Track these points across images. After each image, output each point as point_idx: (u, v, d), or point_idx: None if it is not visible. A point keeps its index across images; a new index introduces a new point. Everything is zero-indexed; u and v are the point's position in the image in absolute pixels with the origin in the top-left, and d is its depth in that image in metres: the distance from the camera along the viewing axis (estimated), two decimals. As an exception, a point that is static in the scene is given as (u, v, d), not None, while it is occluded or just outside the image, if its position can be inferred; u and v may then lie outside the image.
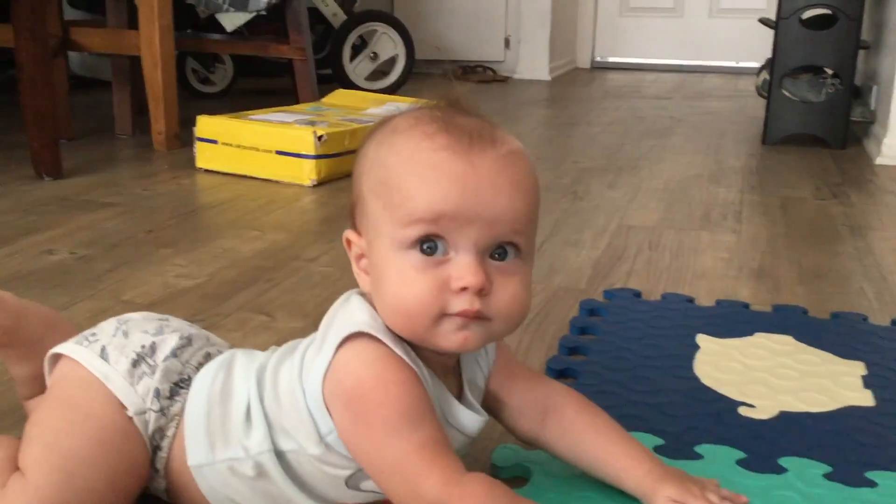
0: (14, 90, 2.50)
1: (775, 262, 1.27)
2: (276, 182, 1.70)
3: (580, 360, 0.90)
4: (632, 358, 0.90)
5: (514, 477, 0.69)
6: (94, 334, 0.64)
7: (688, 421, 0.77)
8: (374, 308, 0.56)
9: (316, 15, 2.82)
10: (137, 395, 0.60)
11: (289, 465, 0.58)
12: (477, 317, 0.53)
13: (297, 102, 2.31)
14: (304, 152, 1.68)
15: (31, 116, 1.62)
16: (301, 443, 0.57)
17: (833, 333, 0.98)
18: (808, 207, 1.61)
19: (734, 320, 1.02)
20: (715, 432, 0.75)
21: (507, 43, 3.84)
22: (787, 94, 2.23)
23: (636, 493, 0.61)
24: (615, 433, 0.63)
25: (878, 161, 2.01)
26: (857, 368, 0.89)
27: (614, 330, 0.98)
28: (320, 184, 1.69)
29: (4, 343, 0.67)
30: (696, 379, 0.86)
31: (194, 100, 2.73)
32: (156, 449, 0.60)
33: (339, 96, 2.24)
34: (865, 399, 0.83)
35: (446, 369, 0.60)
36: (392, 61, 3.02)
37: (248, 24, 2.43)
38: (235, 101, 2.74)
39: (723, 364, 0.89)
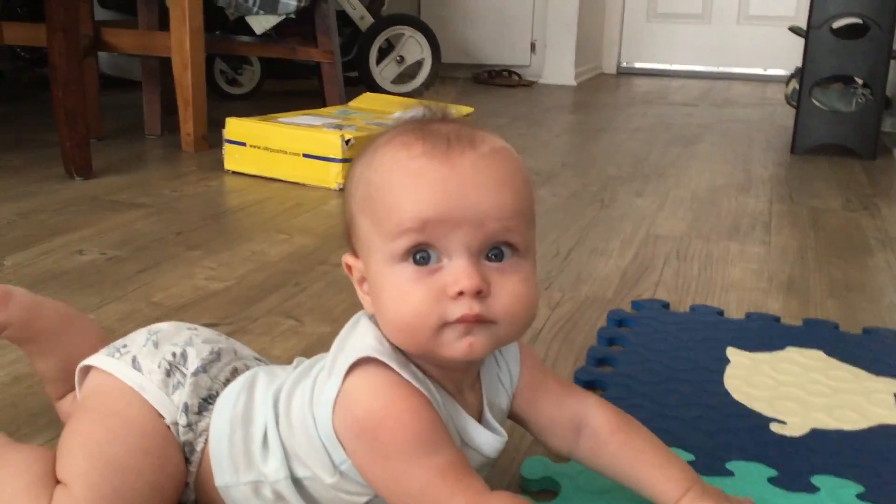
0: (43, 89, 2.53)
1: (805, 275, 1.26)
2: (303, 185, 1.71)
3: (608, 372, 0.90)
4: (661, 370, 0.90)
5: (543, 490, 0.69)
6: (125, 346, 0.65)
7: (719, 436, 0.77)
8: (381, 330, 0.55)
9: (343, 18, 2.83)
10: (173, 405, 0.61)
11: (306, 492, 0.58)
12: (478, 320, 0.51)
13: (324, 105, 2.32)
14: (331, 156, 1.69)
15: (63, 116, 1.64)
16: (315, 471, 0.56)
17: (865, 349, 0.97)
18: (838, 219, 1.59)
19: (764, 334, 1.01)
20: (746, 449, 0.75)
21: (532, 48, 3.83)
22: (816, 103, 2.21)
23: (675, 510, 0.60)
24: (652, 451, 0.62)
25: (909, 173, 1.99)
26: (890, 386, 0.88)
27: (643, 342, 0.97)
28: (347, 187, 1.69)
29: (22, 338, 0.69)
30: (726, 393, 0.85)
31: (222, 101, 2.75)
32: (185, 462, 0.61)
33: (366, 100, 2.24)
34: (899, 418, 0.82)
35: (461, 387, 0.58)
36: (418, 65, 3.03)
37: (275, 27, 2.44)
38: (262, 102, 2.76)
39: (753, 379, 0.89)
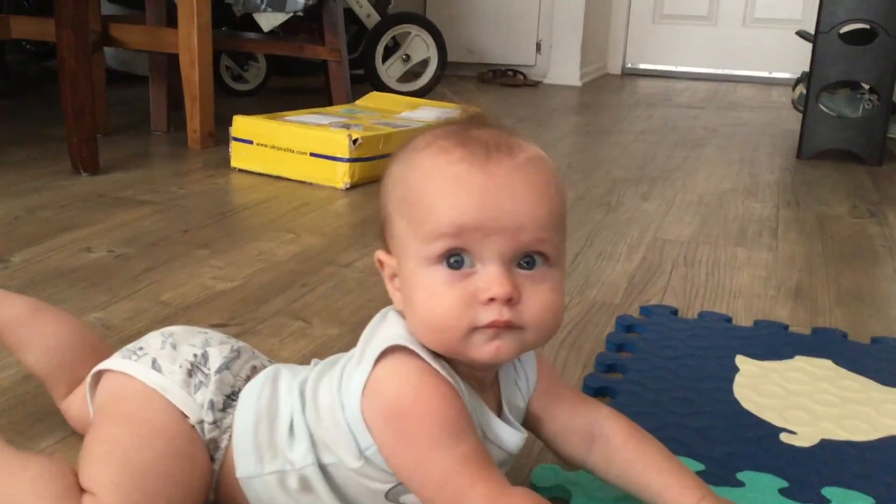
0: (49, 82, 2.52)
1: (813, 282, 1.26)
2: (310, 184, 1.71)
3: (618, 379, 0.90)
4: (670, 378, 0.90)
5: (553, 498, 0.69)
6: (140, 348, 0.65)
7: (729, 446, 0.77)
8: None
9: (349, 16, 2.83)
10: (196, 404, 0.61)
11: (331, 480, 0.58)
12: (508, 326, 0.53)
13: (330, 102, 2.32)
14: (338, 155, 1.68)
15: (71, 112, 1.64)
16: (341, 456, 0.57)
17: (873, 359, 0.97)
18: (844, 225, 1.59)
19: (773, 342, 1.01)
20: (756, 459, 0.75)
21: (538, 47, 3.83)
22: (823, 108, 2.21)
23: (686, 521, 0.61)
24: (665, 461, 0.62)
25: (916, 179, 1.99)
26: (900, 397, 0.88)
27: (652, 348, 0.97)
28: (353, 187, 1.69)
29: None
30: (736, 402, 0.85)
31: (227, 97, 2.74)
32: (211, 460, 0.61)
33: (373, 99, 2.24)
34: (909, 429, 0.82)
35: (483, 386, 0.59)
36: (424, 63, 3.02)
37: (282, 24, 2.44)
38: (268, 99, 2.76)
39: (763, 388, 0.89)
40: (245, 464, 0.60)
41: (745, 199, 1.77)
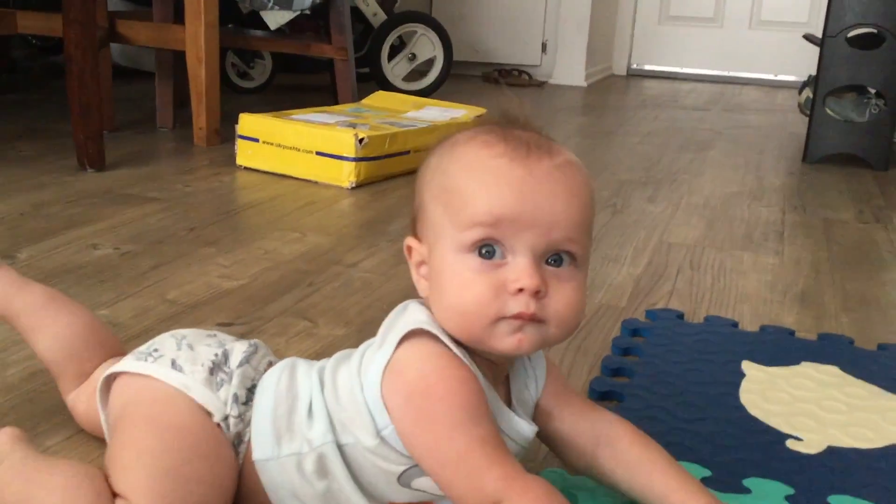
0: (55, 77, 2.52)
1: (819, 288, 1.26)
2: (316, 183, 1.71)
3: (624, 383, 0.90)
4: (677, 383, 0.90)
5: (560, 502, 0.69)
6: (155, 350, 0.65)
7: (735, 452, 0.77)
8: (432, 314, 0.58)
9: (356, 14, 2.83)
10: (220, 401, 0.61)
11: (348, 459, 0.58)
12: (532, 319, 0.54)
13: (336, 101, 2.32)
14: (344, 154, 1.68)
15: (78, 108, 1.64)
16: (357, 436, 0.57)
17: (880, 366, 0.97)
18: (851, 230, 1.59)
19: (780, 348, 1.01)
20: (763, 465, 0.75)
21: (543, 48, 3.82)
22: (830, 112, 2.20)
23: (689, 527, 0.61)
24: (669, 467, 0.62)
25: (922, 185, 1.99)
26: (906, 404, 0.88)
27: (658, 352, 0.97)
28: (359, 186, 1.69)
29: (9, 313, 0.75)
30: (742, 408, 0.85)
31: (233, 94, 2.74)
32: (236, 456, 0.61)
33: (379, 98, 2.24)
34: (915, 437, 0.81)
35: (496, 382, 0.60)
36: (430, 62, 3.02)
37: (289, 22, 2.44)
38: (273, 96, 2.76)
39: (769, 394, 0.88)
40: (263, 445, 0.60)
41: (751, 202, 1.77)
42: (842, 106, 2.20)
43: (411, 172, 1.77)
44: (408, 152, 1.78)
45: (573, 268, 0.56)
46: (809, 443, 0.79)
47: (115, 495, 0.56)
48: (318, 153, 1.71)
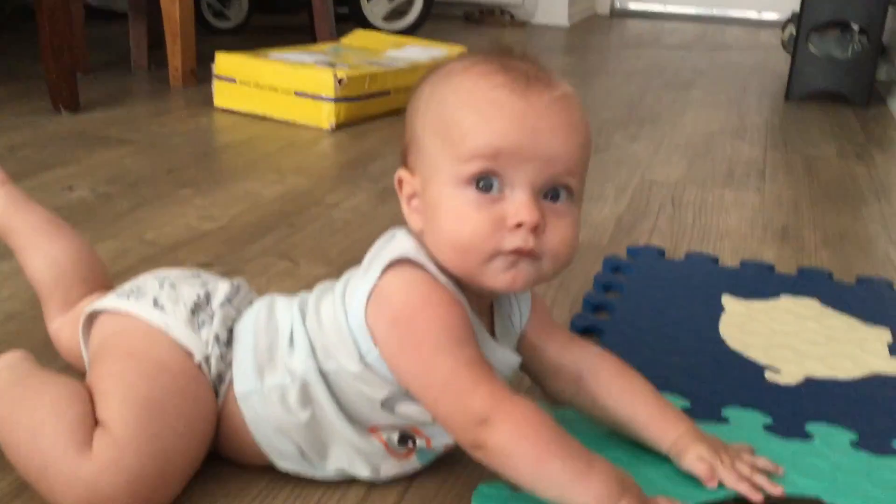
0: (26, 19, 2.46)
1: (799, 224, 1.26)
2: (295, 124, 1.69)
3: (605, 319, 0.90)
4: (657, 317, 0.90)
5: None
6: (138, 288, 0.64)
7: (714, 384, 0.77)
8: (422, 245, 0.57)
9: (334, -49, 2.76)
10: (201, 342, 0.61)
11: (331, 386, 0.58)
12: (531, 254, 0.54)
13: (314, 40, 2.28)
14: (323, 94, 1.66)
15: (49, 48, 1.60)
16: (341, 361, 0.57)
17: (858, 299, 0.98)
18: (831, 167, 1.59)
19: (759, 282, 1.01)
20: (741, 396, 0.75)
21: (526, -14, 3.76)
22: (813, 49, 2.19)
23: (669, 452, 0.62)
24: (651, 396, 0.63)
25: (903, 122, 1.99)
26: (883, 335, 0.89)
27: (639, 288, 0.97)
28: (339, 127, 1.67)
29: (9, 227, 0.75)
30: (722, 341, 0.86)
31: (209, 35, 2.69)
32: (215, 394, 0.61)
33: (358, 37, 2.20)
34: (892, 367, 0.83)
35: (482, 311, 0.60)
36: (410, 2, 2.97)
37: (265, -41, 2.39)
38: (250, 37, 2.71)
39: (748, 327, 0.89)
40: (245, 379, 0.60)
41: (733, 140, 1.76)
42: (825, 43, 2.19)
43: (392, 113, 1.76)
44: (388, 93, 1.75)
45: (569, 202, 0.55)
46: (788, 374, 0.80)
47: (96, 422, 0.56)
48: (296, 93, 1.68)
